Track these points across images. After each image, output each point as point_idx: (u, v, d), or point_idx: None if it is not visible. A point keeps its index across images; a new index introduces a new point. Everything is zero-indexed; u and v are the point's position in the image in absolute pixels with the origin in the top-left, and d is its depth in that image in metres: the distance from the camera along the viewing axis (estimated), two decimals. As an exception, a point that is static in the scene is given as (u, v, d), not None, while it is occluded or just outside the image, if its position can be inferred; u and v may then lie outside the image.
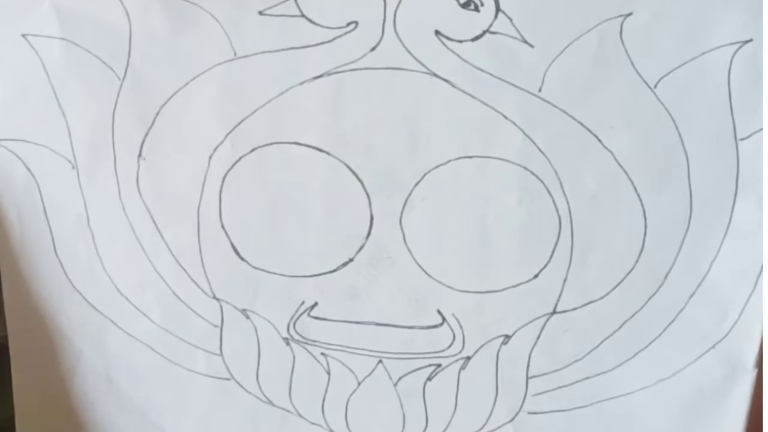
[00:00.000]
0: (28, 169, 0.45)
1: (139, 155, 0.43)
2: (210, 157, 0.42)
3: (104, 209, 0.45)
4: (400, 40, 0.39)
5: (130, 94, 0.42)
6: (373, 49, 0.39)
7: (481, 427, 0.46)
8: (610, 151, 0.40)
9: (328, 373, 0.46)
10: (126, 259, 0.45)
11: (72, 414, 0.50)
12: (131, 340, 0.47)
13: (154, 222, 0.44)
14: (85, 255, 0.46)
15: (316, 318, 0.45)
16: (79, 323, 0.48)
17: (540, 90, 0.39)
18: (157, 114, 0.42)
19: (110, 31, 0.41)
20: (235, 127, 0.42)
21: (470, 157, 0.41)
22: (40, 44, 0.42)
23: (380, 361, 0.46)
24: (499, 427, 0.46)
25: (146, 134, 0.43)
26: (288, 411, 0.48)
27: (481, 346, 0.45)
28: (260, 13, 0.39)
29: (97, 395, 0.49)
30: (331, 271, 0.43)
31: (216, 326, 0.46)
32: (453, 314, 0.44)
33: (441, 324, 0.44)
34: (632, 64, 0.38)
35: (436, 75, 0.39)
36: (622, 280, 0.43)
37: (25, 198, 0.45)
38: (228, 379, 0.48)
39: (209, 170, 0.43)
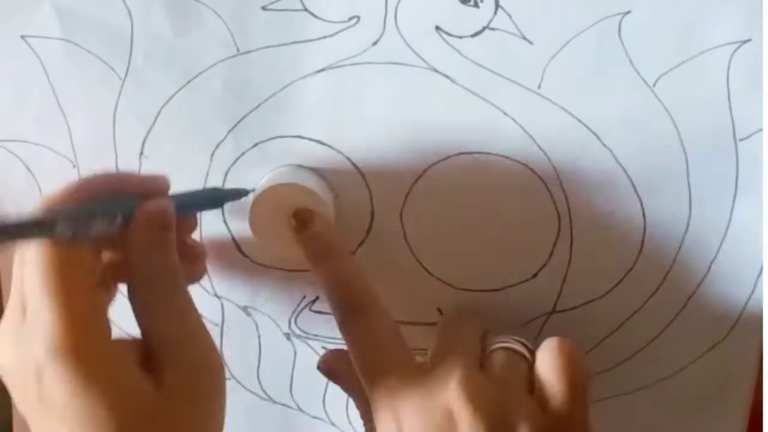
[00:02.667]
0: (29, 170, 0.44)
1: (141, 153, 0.43)
2: (212, 154, 0.43)
3: (105, 208, 0.45)
4: (401, 35, 0.39)
5: (131, 93, 0.42)
6: (375, 43, 0.39)
7: (481, 427, 0.46)
8: (609, 149, 0.40)
9: (329, 367, 0.46)
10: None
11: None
12: (131, 340, 0.47)
13: (155, 220, 0.44)
14: (85, 255, 0.46)
15: (318, 312, 0.45)
16: (79, 322, 0.47)
17: (539, 87, 0.39)
18: (159, 112, 0.42)
19: (112, 30, 0.41)
20: (237, 123, 0.42)
21: (470, 153, 0.41)
22: (40, 46, 0.42)
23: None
24: (499, 427, 0.46)
25: (148, 132, 0.43)
26: (288, 407, 0.48)
27: (480, 345, 0.44)
28: (263, 8, 0.39)
29: (96, 395, 0.49)
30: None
31: (216, 325, 0.46)
32: (453, 312, 0.44)
33: (441, 322, 0.44)
34: (631, 62, 0.38)
35: (436, 70, 0.39)
36: (621, 280, 0.43)
37: (25, 198, 0.45)
38: (228, 379, 0.47)
39: (211, 166, 0.43)
